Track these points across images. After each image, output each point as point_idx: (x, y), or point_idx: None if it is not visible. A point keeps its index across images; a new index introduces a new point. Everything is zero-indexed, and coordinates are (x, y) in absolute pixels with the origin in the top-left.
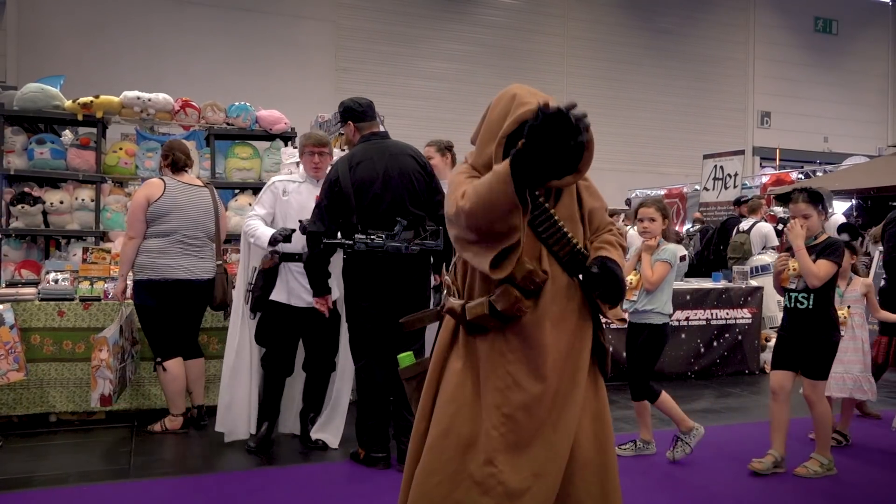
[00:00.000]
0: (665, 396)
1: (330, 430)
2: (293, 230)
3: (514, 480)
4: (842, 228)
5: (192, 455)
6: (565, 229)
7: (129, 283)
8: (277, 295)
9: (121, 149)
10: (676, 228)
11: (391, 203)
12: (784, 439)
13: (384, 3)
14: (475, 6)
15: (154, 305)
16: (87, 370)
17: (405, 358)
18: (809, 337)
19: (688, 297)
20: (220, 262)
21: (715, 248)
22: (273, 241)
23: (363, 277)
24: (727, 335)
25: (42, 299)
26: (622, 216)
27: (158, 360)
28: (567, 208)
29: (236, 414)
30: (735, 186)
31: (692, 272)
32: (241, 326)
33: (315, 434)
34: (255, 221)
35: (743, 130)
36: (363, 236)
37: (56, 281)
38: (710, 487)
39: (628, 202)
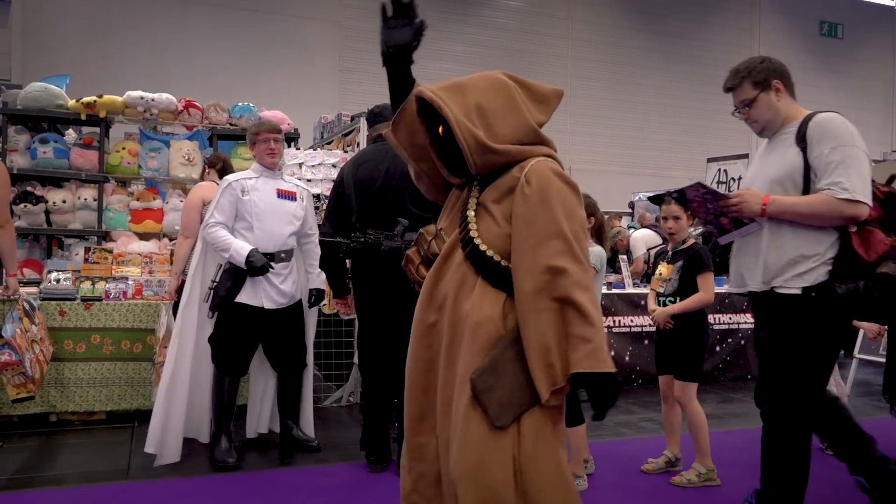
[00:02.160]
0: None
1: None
2: (268, 261)
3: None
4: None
5: (192, 456)
6: (469, 220)
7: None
8: (246, 297)
9: (123, 148)
10: None
11: (391, 203)
12: (678, 440)
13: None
14: (480, 8)
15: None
16: (87, 370)
17: None
18: (679, 339)
19: None
20: None
21: (721, 252)
22: (249, 264)
23: (366, 278)
24: (730, 340)
25: (44, 299)
26: (621, 218)
27: None
28: (485, 198)
29: (173, 431)
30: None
31: None
32: (187, 329)
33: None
34: (220, 231)
35: (747, 134)
36: (360, 235)
37: (58, 280)
38: (714, 494)
39: (631, 205)
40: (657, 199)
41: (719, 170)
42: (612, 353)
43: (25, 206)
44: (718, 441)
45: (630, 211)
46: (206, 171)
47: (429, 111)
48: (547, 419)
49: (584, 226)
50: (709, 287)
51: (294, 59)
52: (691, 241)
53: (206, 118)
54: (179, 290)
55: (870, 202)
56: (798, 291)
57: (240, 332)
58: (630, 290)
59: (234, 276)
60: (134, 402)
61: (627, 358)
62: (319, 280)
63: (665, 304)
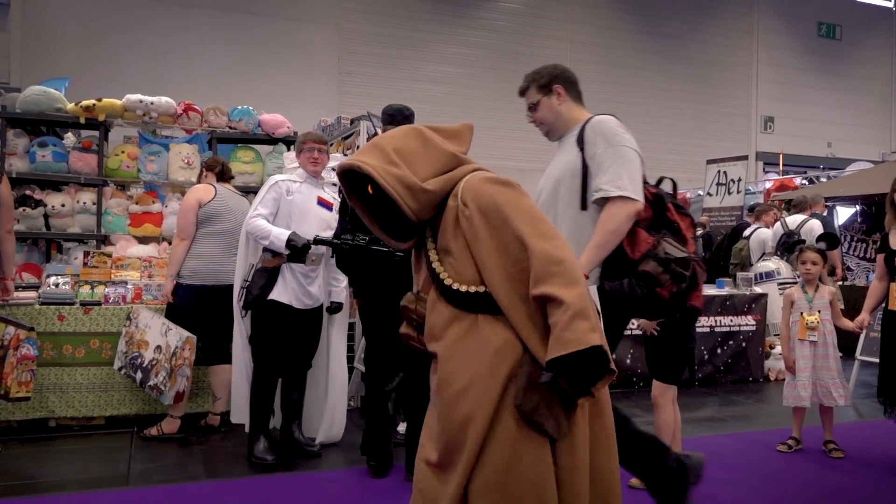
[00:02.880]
0: None
1: (332, 434)
2: (310, 241)
3: None
4: (820, 238)
5: (191, 462)
6: (435, 266)
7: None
8: (279, 295)
9: (123, 152)
10: None
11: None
12: (678, 443)
13: (388, 6)
14: (478, 10)
15: (192, 308)
16: (87, 375)
17: None
18: (665, 343)
19: None
20: None
21: (725, 254)
22: (291, 244)
23: (361, 280)
24: (731, 342)
25: (42, 303)
26: None
27: None
28: (442, 243)
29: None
30: (738, 192)
31: None
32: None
33: (319, 438)
34: (261, 221)
35: (746, 135)
36: (349, 237)
37: (56, 285)
38: (717, 497)
39: None
40: None
41: (719, 171)
42: (614, 356)
43: (24, 210)
44: (719, 444)
45: None
46: (204, 174)
47: (356, 182)
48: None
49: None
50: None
51: (293, 62)
52: None
53: (205, 121)
54: (174, 293)
55: (641, 199)
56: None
57: (274, 330)
58: None
59: (267, 275)
60: (133, 408)
61: (629, 361)
62: (342, 294)
63: None
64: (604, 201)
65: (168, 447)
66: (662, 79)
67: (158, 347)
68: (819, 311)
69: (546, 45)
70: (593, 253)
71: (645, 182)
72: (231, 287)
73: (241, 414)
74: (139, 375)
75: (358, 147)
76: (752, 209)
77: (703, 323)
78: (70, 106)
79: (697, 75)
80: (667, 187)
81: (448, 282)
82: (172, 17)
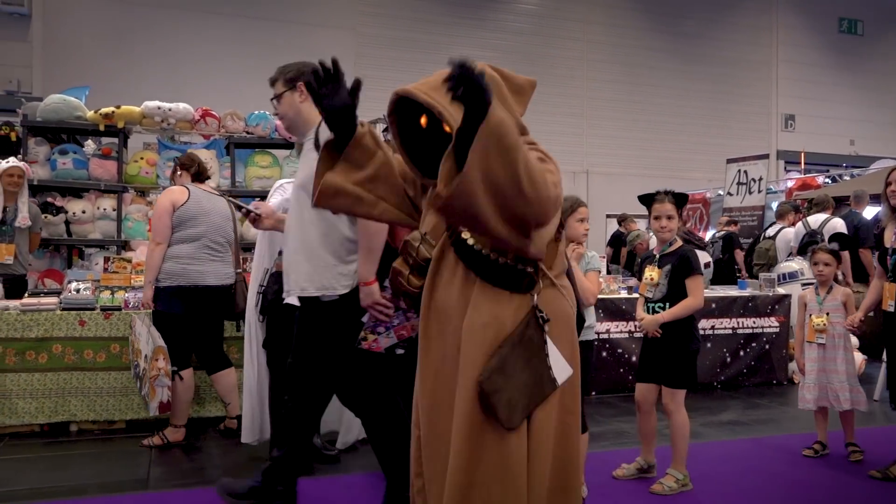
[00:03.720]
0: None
1: (349, 438)
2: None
3: None
4: (833, 238)
5: (210, 466)
6: None
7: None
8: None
9: (142, 158)
10: (700, 235)
11: None
12: (652, 448)
13: (404, 10)
14: (494, 12)
15: (181, 313)
16: (108, 380)
17: None
18: (668, 347)
19: (713, 306)
20: (239, 270)
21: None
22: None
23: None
24: (754, 344)
25: (63, 309)
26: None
27: (175, 369)
28: None
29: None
30: (759, 191)
31: (716, 279)
32: (253, 332)
33: (338, 443)
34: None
35: (766, 134)
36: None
37: (77, 290)
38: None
39: None
40: (647, 199)
41: (739, 170)
42: (634, 358)
43: (46, 217)
44: (742, 448)
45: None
46: (178, 173)
47: (404, 110)
48: (552, 418)
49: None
50: (698, 292)
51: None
52: (678, 244)
53: (222, 127)
54: (155, 299)
55: None
56: None
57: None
58: None
59: (281, 279)
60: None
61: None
62: None
63: (654, 311)
64: None
65: (188, 452)
66: (680, 78)
67: (146, 356)
68: (828, 314)
69: (562, 45)
70: (365, 258)
71: None
72: (210, 289)
73: (252, 432)
74: (139, 384)
75: None
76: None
77: (726, 325)
78: (89, 114)
79: (716, 73)
80: None
81: (465, 236)
82: (191, 25)
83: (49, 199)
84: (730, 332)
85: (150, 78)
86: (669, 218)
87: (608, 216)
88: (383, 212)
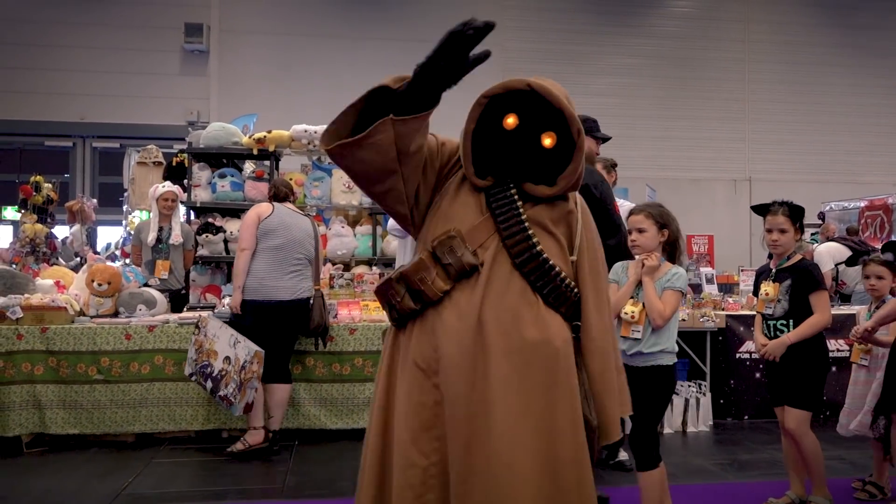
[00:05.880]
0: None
1: None
2: None
3: None
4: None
5: (340, 478)
6: (530, 231)
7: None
8: None
9: (290, 179)
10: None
11: None
12: (802, 479)
13: (551, 22)
14: (645, 18)
15: (249, 325)
16: None
17: None
18: (794, 364)
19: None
20: (317, 287)
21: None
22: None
23: None
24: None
25: (225, 320)
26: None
27: None
28: (538, 216)
29: None
30: None
31: None
32: None
33: None
34: None
35: None
36: None
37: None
38: None
39: (822, 216)
40: (762, 209)
41: None
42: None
43: (207, 237)
44: None
45: (820, 222)
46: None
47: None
48: None
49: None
50: (825, 307)
51: (459, 86)
52: (798, 257)
53: None
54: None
55: None
56: None
57: None
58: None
59: None
60: (294, 422)
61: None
62: None
63: (775, 328)
64: None
65: (324, 461)
66: (854, 74)
67: (227, 358)
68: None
69: (719, 47)
70: None
71: None
72: (283, 304)
73: None
74: (209, 384)
75: None
76: None
77: None
78: (244, 139)
79: (894, 68)
80: None
81: (542, 250)
82: (346, 51)
83: (210, 220)
84: None
85: (310, 104)
86: (782, 232)
87: None
88: (391, 189)
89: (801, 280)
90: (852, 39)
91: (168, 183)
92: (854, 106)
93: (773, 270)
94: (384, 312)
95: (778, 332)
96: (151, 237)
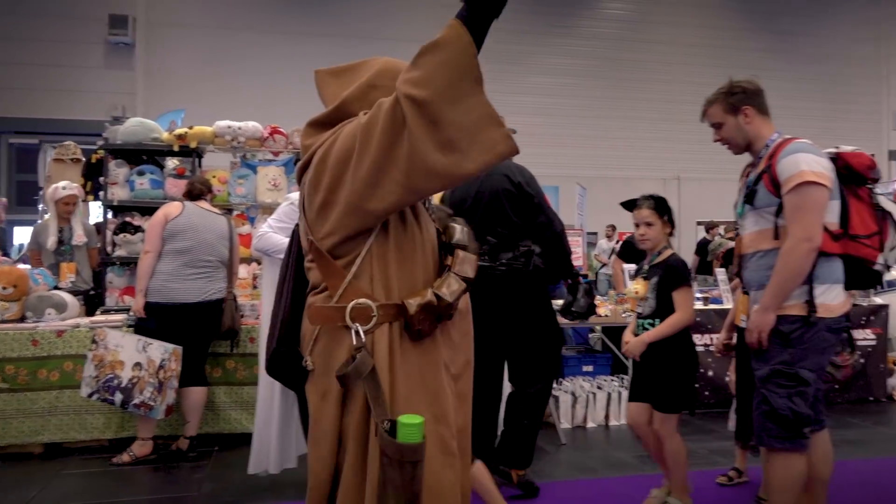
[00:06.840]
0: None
1: None
2: None
3: None
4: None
5: (259, 485)
6: None
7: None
8: None
9: (213, 177)
10: None
11: (479, 223)
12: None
13: (494, 21)
14: (581, 20)
15: (153, 328)
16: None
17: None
18: (659, 368)
19: None
20: (230, 289)
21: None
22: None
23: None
24: None
25: (129, 326)
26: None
27: None
28: None
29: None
30: None
31: None
32: None
33: None
34: (270, 234)
35: (877, 134)
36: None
37: None
38: None
39: None
40: (629, 205)
41: None
42: (711, 373)
43: (124, 237)
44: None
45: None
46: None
47: None
48: None
49: None
50: (687, 305)
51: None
52: (668, 253)
53: (290, 143)
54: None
55: None
56: None
57: None
58: (729, 305)
59: None
60: (215, 427)
61: (727, 378)
62: None
63: (643, 327)
64: None
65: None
66: (783, 78)
67: (138, 364)
68: None
69: (652, 49)
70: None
71: None
72: (190, 306)
73: (258, 463)
74: (118, 397)
75: None
76: None
77: None
78: (164, 135)
79: (819, 72)
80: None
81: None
82: (282, 46)
83: (128, 219)
84: None
85: (242, 99)
86: (649, 225)
87: (699, 223)
88: None
89: (668, 277)
90: (780, 45)
91: (68, 183)
92: (786, 108)
93: (646, 267)
94: None
95: (645, 331)
96: (52, 241)
